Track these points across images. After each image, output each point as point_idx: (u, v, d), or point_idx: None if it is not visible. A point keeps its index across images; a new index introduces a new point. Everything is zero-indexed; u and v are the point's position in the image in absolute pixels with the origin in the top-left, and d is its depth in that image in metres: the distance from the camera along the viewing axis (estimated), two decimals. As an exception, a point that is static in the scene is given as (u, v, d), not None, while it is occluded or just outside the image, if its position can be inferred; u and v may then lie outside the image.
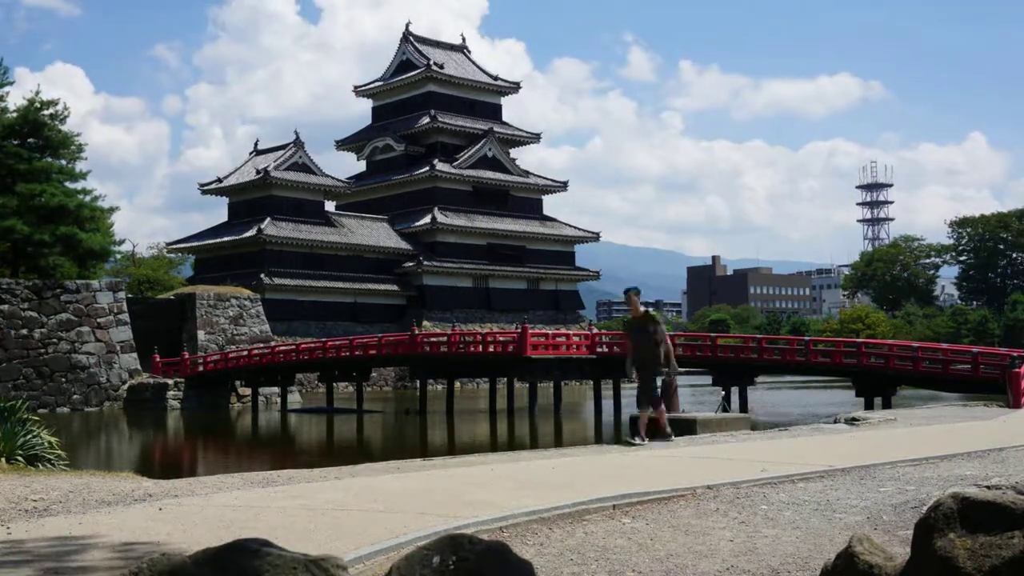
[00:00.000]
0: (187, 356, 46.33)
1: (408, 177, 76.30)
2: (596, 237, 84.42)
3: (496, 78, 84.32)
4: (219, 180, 71.60)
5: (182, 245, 73.77)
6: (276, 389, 46.16)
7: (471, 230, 74.98)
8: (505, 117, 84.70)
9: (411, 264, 72.51)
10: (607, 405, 37.74)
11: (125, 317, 45.59)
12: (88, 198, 47.71)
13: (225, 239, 68.50)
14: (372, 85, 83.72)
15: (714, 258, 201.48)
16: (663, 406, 13.26)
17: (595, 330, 49.42)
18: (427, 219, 73.20)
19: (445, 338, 40.71)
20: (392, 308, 72.13)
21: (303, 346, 44.48)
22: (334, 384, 44.62)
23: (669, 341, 13.50)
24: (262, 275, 64.67)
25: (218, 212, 76.93)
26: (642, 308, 13.42)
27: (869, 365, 30.84)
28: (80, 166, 49.33)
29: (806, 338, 37.97)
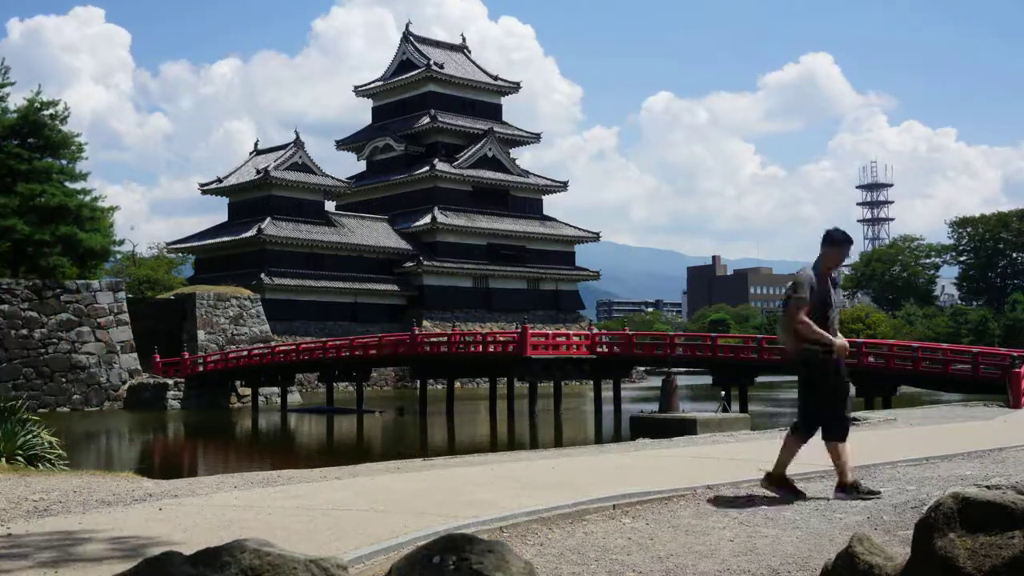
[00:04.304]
0: (187, 356, 46.38)
1: (408, 177, 76.29)
2: (596, 237, 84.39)
3: (496, 78, 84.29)
4: (219, 180, 71.53)
5: (182, 245, 73.72)
6: (276, 389, 46.18)
7: (471, 230, 74.95)
8: (509, 112, 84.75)
9: (411, 264, 72.49)
10: (607, 405, 37.77)
11: (125, 317, 45.59)
12: (88, 198, 47.76)
13: (225, 239, 68.47)
14: (372, 85, 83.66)
15: (714, 258, 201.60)
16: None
17: (595, 330, 49.46)
18: (427, 219, 73.18)
19: (445, 338, 40.73)
20: (392, 308, 72.12)
21: (303, 346, 44.53)
22: (334, 384, 44.66)
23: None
24: (262, 275, 64.65)
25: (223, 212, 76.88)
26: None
27: (869, 365, 30.84)
28: (81, 166, 49.41)
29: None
